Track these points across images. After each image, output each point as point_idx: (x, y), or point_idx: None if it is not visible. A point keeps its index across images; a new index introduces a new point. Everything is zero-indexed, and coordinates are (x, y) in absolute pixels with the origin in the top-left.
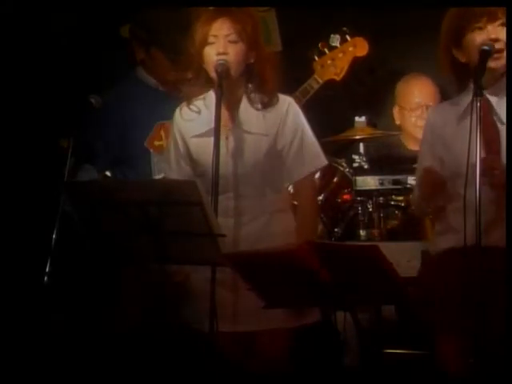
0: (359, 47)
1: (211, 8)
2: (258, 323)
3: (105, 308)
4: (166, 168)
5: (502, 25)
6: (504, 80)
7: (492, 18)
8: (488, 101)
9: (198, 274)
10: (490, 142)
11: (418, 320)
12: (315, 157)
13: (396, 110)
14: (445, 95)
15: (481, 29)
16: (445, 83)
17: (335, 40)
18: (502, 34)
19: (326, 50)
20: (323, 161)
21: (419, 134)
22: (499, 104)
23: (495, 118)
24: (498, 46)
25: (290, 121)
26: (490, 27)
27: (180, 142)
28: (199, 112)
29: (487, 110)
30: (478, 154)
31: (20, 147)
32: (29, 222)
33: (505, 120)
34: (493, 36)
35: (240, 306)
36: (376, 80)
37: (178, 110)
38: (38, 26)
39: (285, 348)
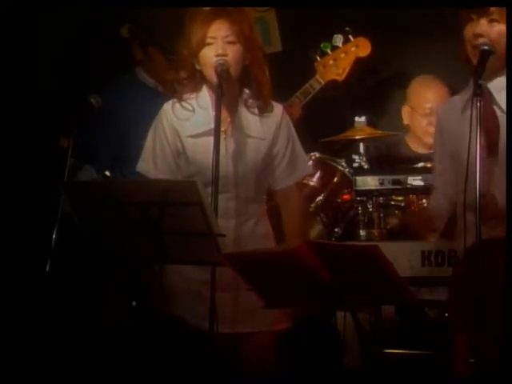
0: (362, 47)
1: (207, 9)
2: (257, 324)
3: (105, 307)
4: (148, 167)
5: (489, 21)
6: (504, 73)
7: (483, 13)
8: (489, 91)
9: (197, 275)
10: (489, 132)
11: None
12: (305, 164)
13: (405, 110)
14: (453, 94)
15: (473, 20)
16: (451, 83)
17: (338, 40)
18: (486, 30)
19: (329, 50)
20: (310, 168)
21: (427, 139)
22: (500, 94)
23: (495, 107)
24: (477, 41)
25: (284, 127)
26: (482, 20)
27: (173, 141)
28: (193, 111)
29: (488, 101)
30: (478, 155)
31: (20, 147)
32: (29, 222)
33: (505, 108)
34: (477, 31)
35: (238, 306)
36: (377, 80)
37: (168, 108)
38: (39, 25)
39: (284, 348)
